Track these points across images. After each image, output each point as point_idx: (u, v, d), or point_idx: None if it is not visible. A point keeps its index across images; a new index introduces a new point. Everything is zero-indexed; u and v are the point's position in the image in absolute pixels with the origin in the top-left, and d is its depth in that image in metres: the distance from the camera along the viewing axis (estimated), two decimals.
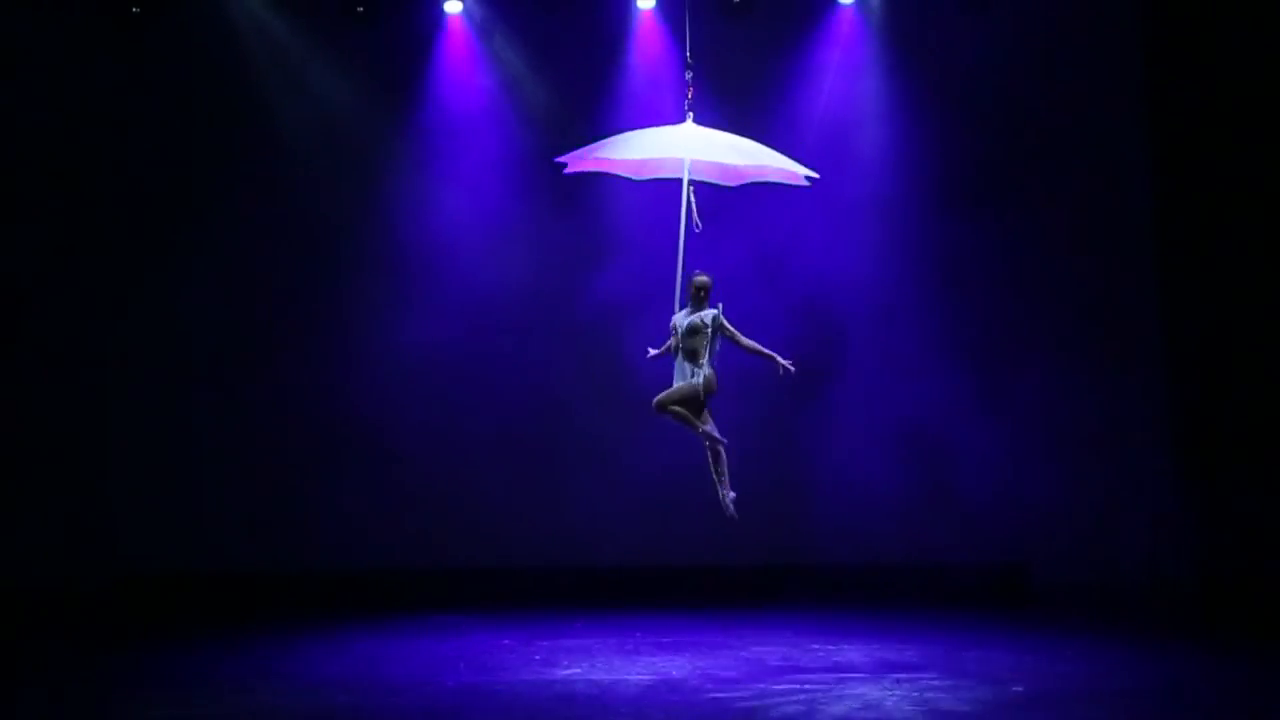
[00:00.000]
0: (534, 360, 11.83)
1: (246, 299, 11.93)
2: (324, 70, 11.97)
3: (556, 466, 11.78)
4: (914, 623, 10.01)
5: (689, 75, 8.93)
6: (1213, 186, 11.22)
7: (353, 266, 11.99)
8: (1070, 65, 11.80)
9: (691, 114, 8.75)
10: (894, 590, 11.36)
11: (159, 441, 11.82)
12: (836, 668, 8.25)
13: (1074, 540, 11.39)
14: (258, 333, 11.91)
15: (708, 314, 8.40)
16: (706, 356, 8.36)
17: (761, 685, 7.71)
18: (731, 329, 8.44)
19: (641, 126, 11.17)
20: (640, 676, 8.04)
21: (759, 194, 11.45)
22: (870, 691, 7.51)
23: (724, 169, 8.97)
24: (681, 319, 8.42)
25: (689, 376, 8.33)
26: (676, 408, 8.36)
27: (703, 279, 8.43)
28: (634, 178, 9.19)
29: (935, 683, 7.74)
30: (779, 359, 8.38)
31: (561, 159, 9.02)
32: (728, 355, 8.55)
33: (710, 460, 8.47)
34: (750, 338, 8.47)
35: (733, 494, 8.48)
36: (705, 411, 8.41)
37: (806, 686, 7.66)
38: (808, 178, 8.89)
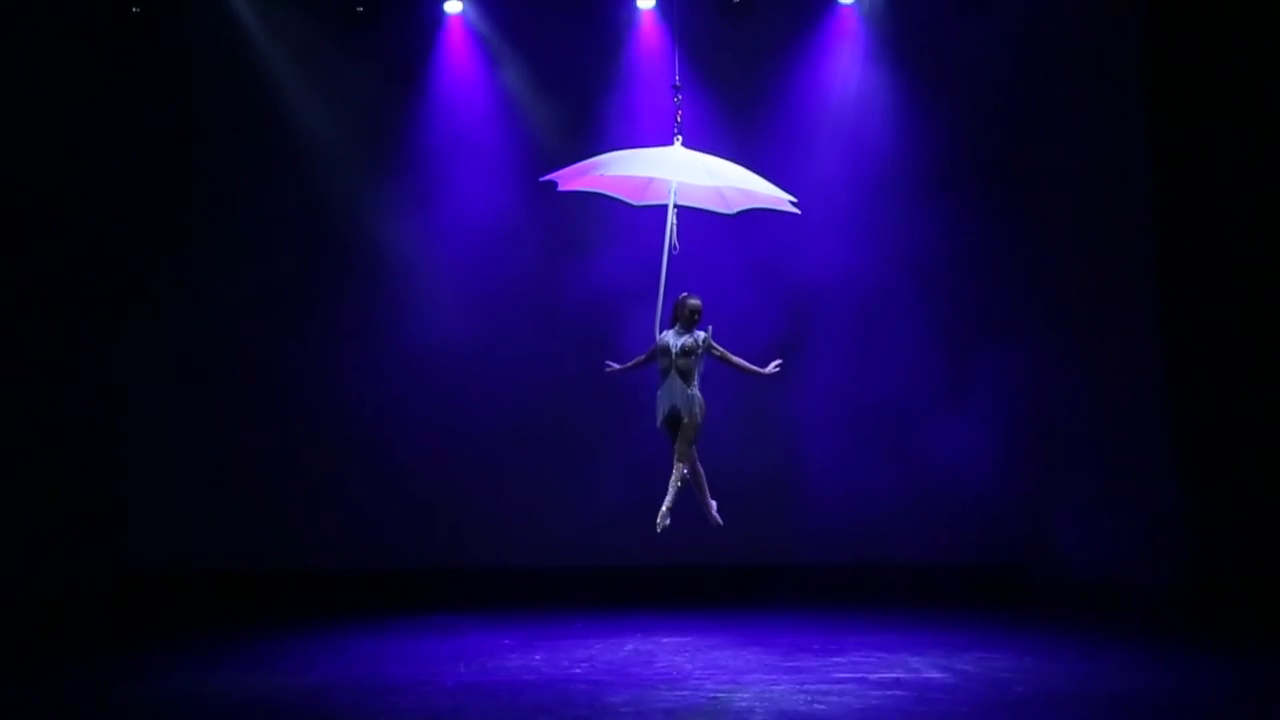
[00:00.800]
0: (534, 360, 11.83)
1: (246, 298, 11.93)
2: (324, 70, 11.97)
3: (556, 466, 11.78)
4: (913, 623, 10.01)
5: (677, 99, 8.90)
6: (1213, 185, 11.22)
7: (352, 266, 12.00)
8: (1070, 64, 11.80)
9: (680, 137, 8.72)
10: (893, 590, 11.36)
11: (159, 441, 11.83)
12: (836, 667, 8.25)
13: (1074, 540, 11.38)
14: (257, 333, 11.91)
15: (699, 335, 8.45)
16: (696, 380, 8.42)
17: (761, 685, 7.72)
18: (721, 349, 8.51)
19: (640, 126, 11.22)
20: (640, 676, 8.05)
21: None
22: (870, 691, 7.51)
23: (720, 196, 8.93)
24: (673, 339, 8.42)
25: (676, 395, 8.35)
26: (685, 445, 8.42)
27: (696, 302, 8.47)
28: (631, 202, 9.11)
29: (935, 683, 7.74)
30: (766, 369, 8.52)
31: (549, 178, 8.93)
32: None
33: (691, 484, 8.53)
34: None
35: (714, 502, 8.70)
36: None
37: (806, 686, 7.66)
38: (792, 202, 8.83)
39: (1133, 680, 7.87)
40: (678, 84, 9.04)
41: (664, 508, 8.29)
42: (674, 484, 8.36)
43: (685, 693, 7.57)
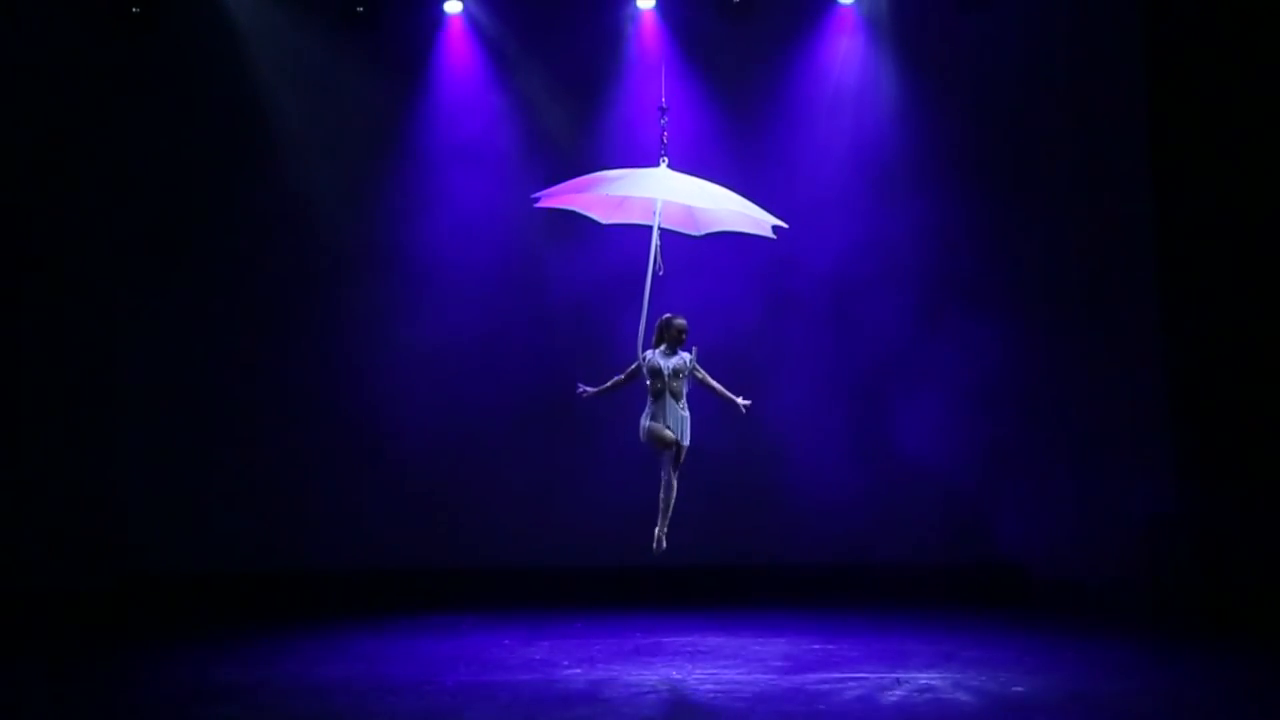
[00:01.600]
0: (534, 360, 11.82)
1: (246, 298, 11.93)
2: (324, 70, 11.96)
3: (556, 467, 11.78)
4: (914, 623, 10.01)
5: (663, 121, 8.89)
6: (1214, 184, 11.20)
7: (352, 266, 11.99)
8: (1070, 64, 11.79)
9: (666, 159, 8.71)
10: (894, 590, 11.35)
11: (159, 441, 11.82)
12: (836, 668, 8.25)
13: (1074, 540, 11.38)
14: (258, 333, 11.91)
15: (686, 356, 8.43)
16: (685, 399, 8.44)
17: (761, 685, 7.72)
18: (703, 373, 8.51)
19: (640, 126, 11.21)
20: (640, 676, 8.05)
21: (754, 192, 11.50)
22: (870, 691, 7.51)
23: (691, 217, 8.89)
24: (663, 360, 8.37)
25: (670, 417, 8.32)
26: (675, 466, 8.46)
27: (683, 322, 8.44)
28: (601, 220, 9.04)
29: (935, 683, 7.74)
30: (739, 400, 8.54)
31: (540, 196, 8.88)
32: (716, 359, 8.62)
33: (665, 498, 8.47)
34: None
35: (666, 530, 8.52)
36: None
37: (806, 686, 7.66)
38: (775, 228, 8.78)
39: (1133, 680, 7.87)
40: (664, 105, 9.00)
41: (660, 531, 8.36)
42: (662, 498, 8.39)
43: (685, 693, 7.57)
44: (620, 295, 11.16)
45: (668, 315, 8.45)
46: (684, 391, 8.41)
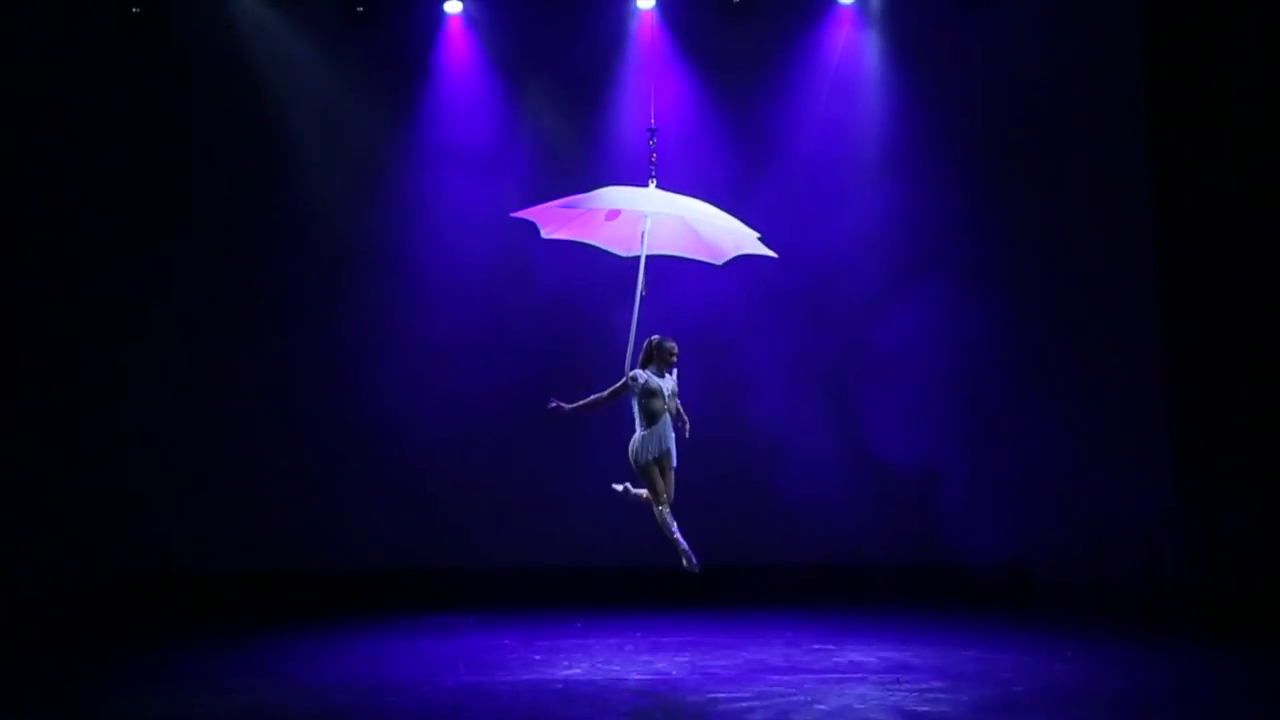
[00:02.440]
0: (534, 361, 11.81)
1: (246, 298, 11.94)
2: (324, 70, 11.97)
3: (556, 467, 11.78)
4: (914, 623, 10.01)
5: (652, 143, 8.87)
6: (1214, 185, 11.20)
7: (351, 266, 12.00)
8: (1071, 62, 11.80)
9: (655, 180, 8.70)
10: (894, 590, 11.36)
11: (159, 441, 11.82)
12: (836, 668, 8.25)
13: (1074, 540, 11.38)
14: (258, 333, 11.91)
15: (672, 379, 8.39)
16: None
17: (761, 685, 7.72)
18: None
19: (639, 126, 11.21)
20: (640, 676, 8.05)
21: (754, 191, 11.53)
22: (870, 692, 7.51)
23: (705, 244, 8.86)
24: (663, 381, 8.32)
25: (669, 438, 8.31)
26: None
27: (675, 345, 8.40)
28: (620, 254, 8.96)
29: (935, 683, 7.74)
30: (686, 424, 8.40)
31: (521, 214, 8.81)
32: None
33: (663, 518, 8.38)
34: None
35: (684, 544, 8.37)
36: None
37: (806, 686, 7.66)
38: (763, 243, 8.75)
39: (1133, 680, 7.87)
40: (653, 128, 8.98)
41: (682, 547, 8.24)
42: (668, 521, 8.30)
43: (685, 693, 7.57)
44: (620, 295, 11.15)
45: (658, 337, 8.37)
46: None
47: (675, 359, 8.39)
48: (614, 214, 8.70)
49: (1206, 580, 10.89)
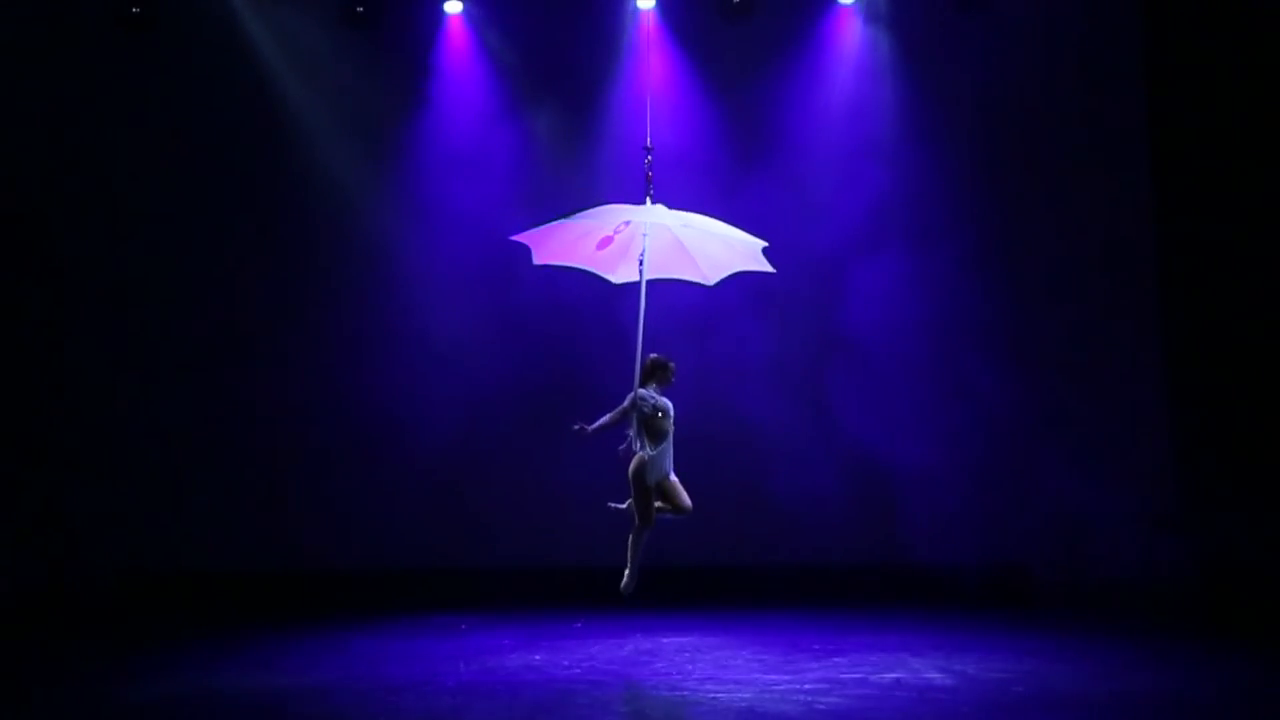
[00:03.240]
0: (535, 362, 11.83)
1: (247, 298, 11.95)
2: (324, 70, 11.97)
3: (556, 467, 11.77)
4: (913, 623, 10.01)
5: (648, 161, 8.87)
6: (1214, 184, 11.22)
7: (351, 266, 12.00)
8: (1070, 64, 11.81)
9: (651, 198, 8.70)
10: (894, 590, 11.36)
11: (159, 441, 11.83)
12: (836, 668, 8.25)
13: (1074, 540, 11.38)
14: (258, 333, 11.92)
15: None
16: None
17: (761, 685, 7.72)
18: None
19: (639, 126, 11.20)
20: (640, 676, 8.05)
21: (754, 191, 11.53)
22: (870, 691, 7.51)
23: (696, 265, 8.86)
24: (665, 401, 8.43)
25: (666, 456, 8.44)
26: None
27: (674, 363, 8.55)
28: (613, 279, 9.00)
29: (935, 683, 7.74)
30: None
31: (518, 238, 8.86)
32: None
33: (636, 539, 8.59)
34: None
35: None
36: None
37: (806, 686, 7.66)
38: (766, 252, 8.76)
39: (1133, 680, 7.87)
40: (649, 146, 8.98)
41: (633, 571, 8.56)
42: (640, 543, 8.55)
43: (685, 693, 7.57)
44: (621, 294, 11.16)
45: (659, 356, 8.52)
46: None
47: (674, 377, 8.52)
48: (606, 241, 8.75)
49: (1206, 579, 10.90)
